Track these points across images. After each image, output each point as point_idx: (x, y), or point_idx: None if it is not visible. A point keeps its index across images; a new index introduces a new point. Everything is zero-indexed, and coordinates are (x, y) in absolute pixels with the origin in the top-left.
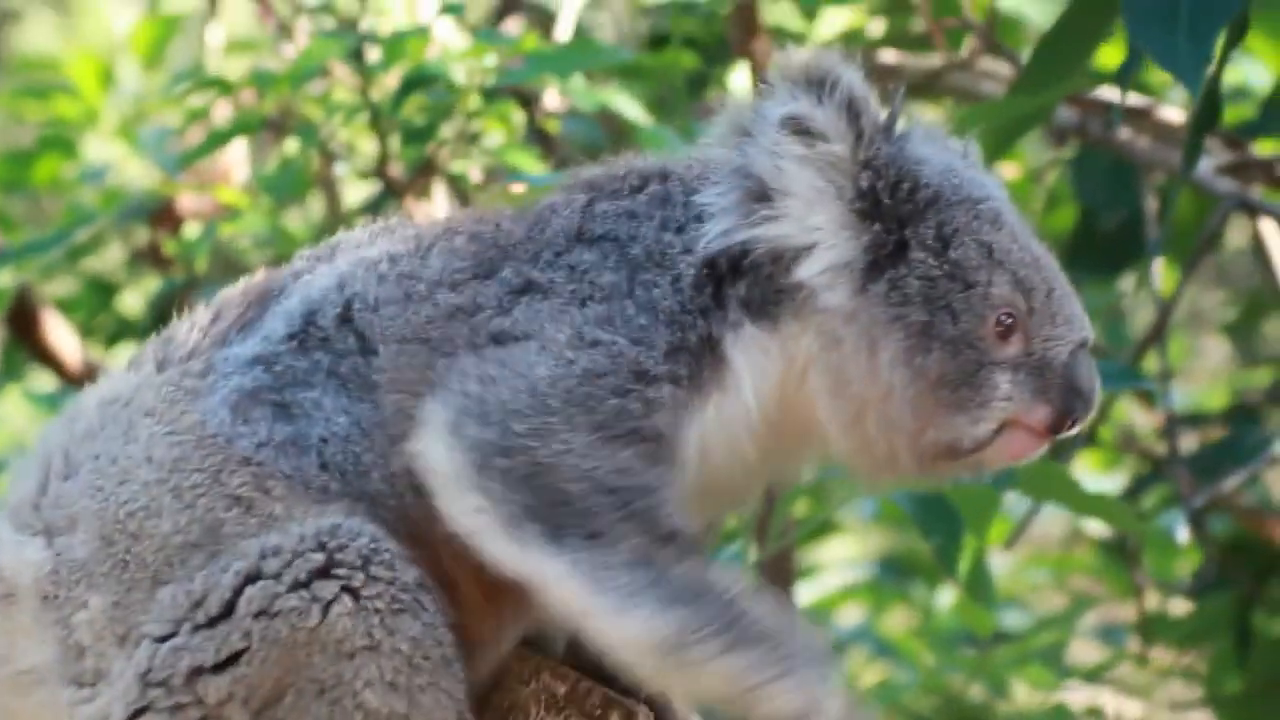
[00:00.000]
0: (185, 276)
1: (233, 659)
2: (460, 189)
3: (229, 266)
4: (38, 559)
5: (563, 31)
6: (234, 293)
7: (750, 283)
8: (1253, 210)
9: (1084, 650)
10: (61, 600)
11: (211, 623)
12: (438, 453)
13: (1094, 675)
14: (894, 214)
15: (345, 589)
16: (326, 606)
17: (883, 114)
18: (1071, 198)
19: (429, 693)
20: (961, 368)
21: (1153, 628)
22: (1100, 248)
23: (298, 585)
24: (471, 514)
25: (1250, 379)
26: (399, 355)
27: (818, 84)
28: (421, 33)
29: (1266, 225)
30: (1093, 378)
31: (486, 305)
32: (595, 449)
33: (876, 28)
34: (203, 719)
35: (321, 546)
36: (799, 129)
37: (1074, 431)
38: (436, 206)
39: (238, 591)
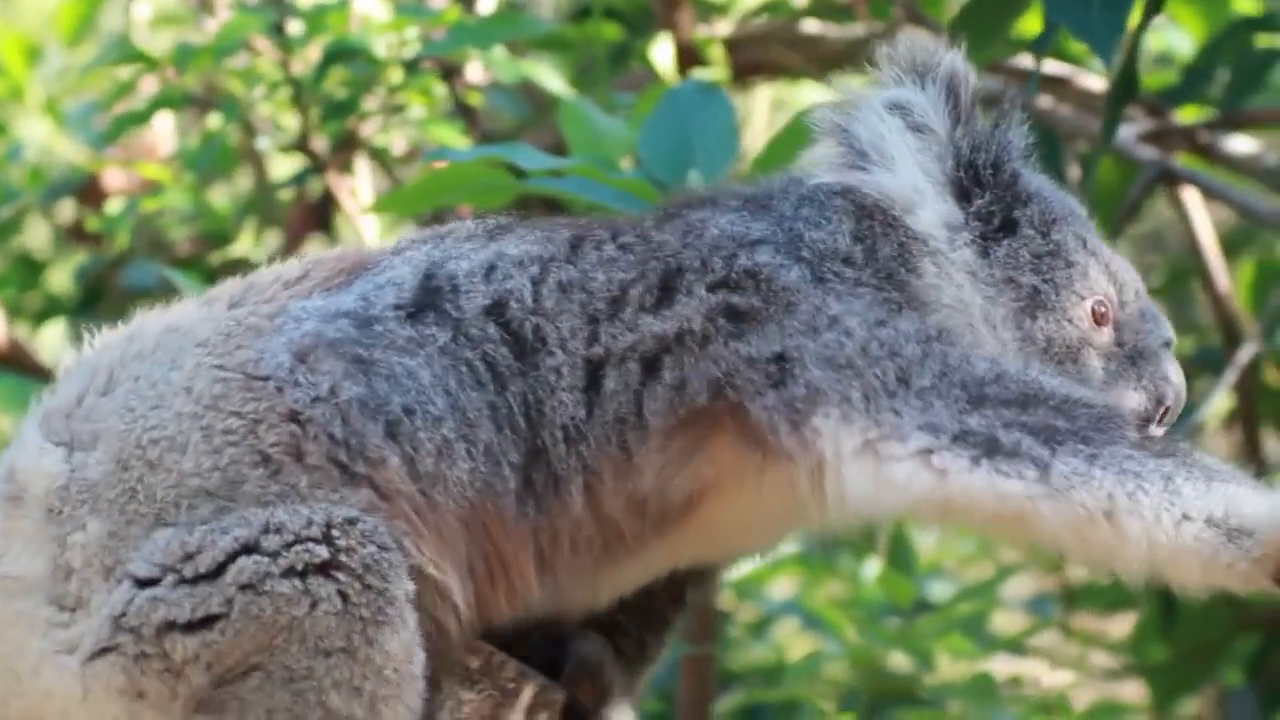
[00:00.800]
0: (113, 253)
1: (207, 622)
2: (383, 162)
3: (155, 243)
4: (54, 470)
5: (485, 4)
6: (328, 256)
7: (888, 245)
8: (1174, 178)
9: (1015, 622)
10: (64, 517)
11: (196, 580)
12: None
13: (1015, 644)
14: (998, 192)
15: (339, 591)
16: (315, 602)
17: (983, 102)
18: None
19: (391, 704)
20: (1065, 341)
21: (1076, 597)
22: None
23: (293, 573)
24: (1000, 486)
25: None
26: (607, 378)
27: (921, 71)
28: (342, 6)
29: (1188, 192)
30: (1180, 374)
31: (710, 335)
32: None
33: None
34: (166, 671)
35: (328, 540)
36: (902, 111)
37: (1161, 429)
38: (359, 180)
39: (231, 557)
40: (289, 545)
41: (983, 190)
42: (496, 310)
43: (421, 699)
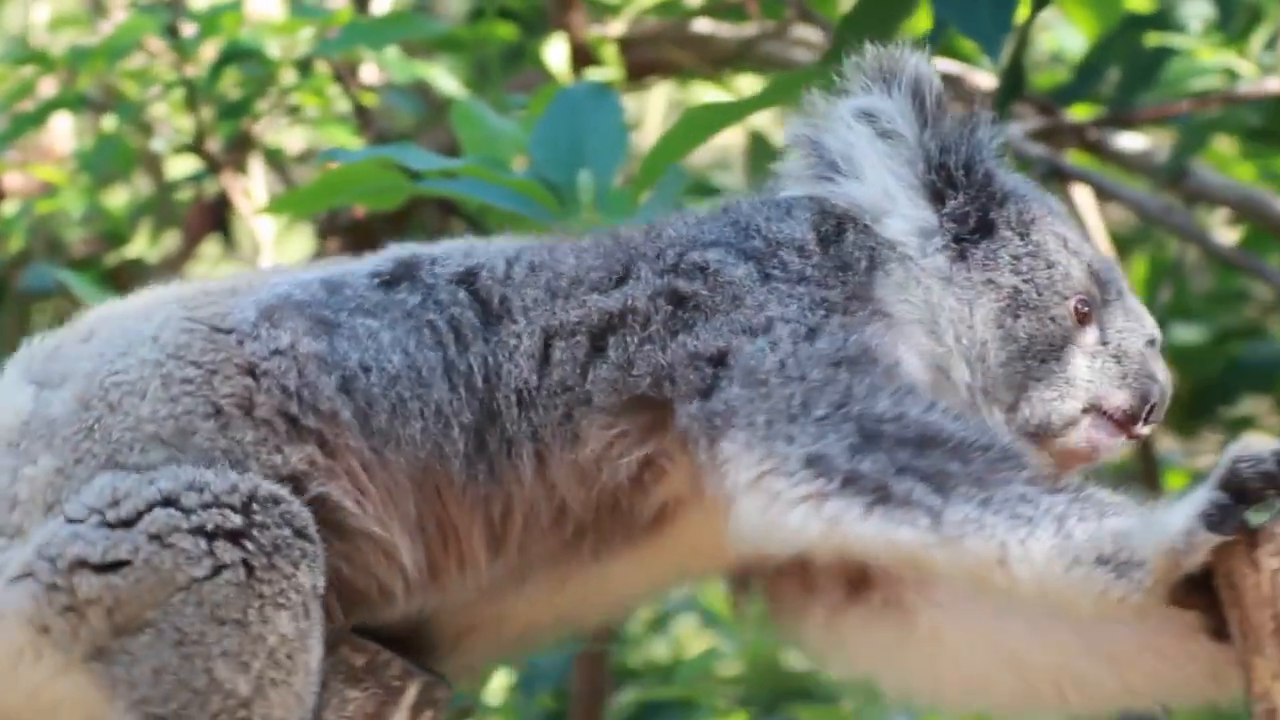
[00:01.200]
0: (8, 255)
1: (114, 566)
2: (278, 163)
3: (51, 244)
4: (22, 406)
5: (379, 4)
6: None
7: (850, 239)
8: (1065, 176)
9: None
10: (21, 450)
11: (114, 525)
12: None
13: None
14: (972, 193)
15: (244, 562)
16: (219, 568)
17: (950, 103)
18: None
19: (279, 689)
20: (1048, 339)
21: None
22: None
23: (202, 532)
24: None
25: None
26: (555, 347)
27: (887, 78)
28: (235, 7)
29: (1079, 190)
30: (1166, 372)
31: (651, 317)
32: (896, 398)
33: None
34: (69, 609)
35: (245, 510)
36: (870, 118)
37: (1148, 428)
38: (254, 181)
39: (150, 507)
40: (206, 505)
41: (956, 191)
42: (468, 278)
43: (313, 695)
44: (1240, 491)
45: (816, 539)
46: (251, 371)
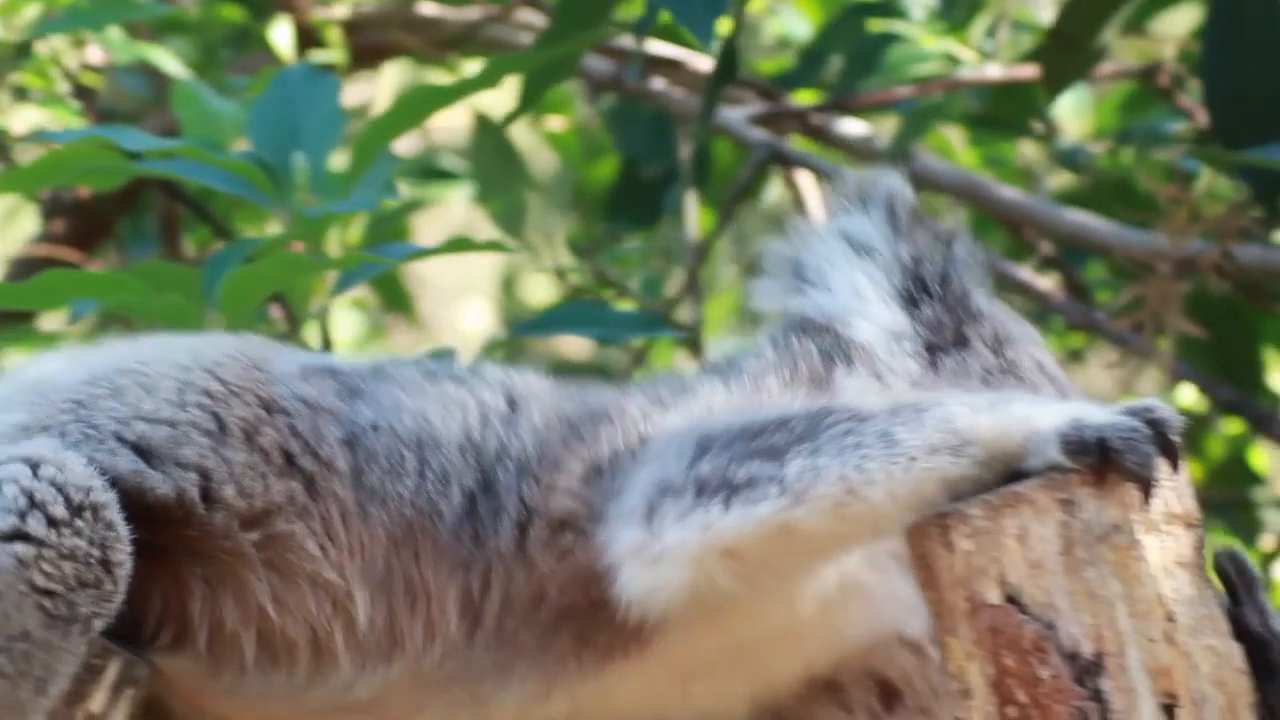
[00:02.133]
0: None
1: None
2: (1, 144)
3: None
4: (47, 370)
5: None
6: None
7: (816, 338)
8: (786, 160)
9: None
10: (11, 400)
11: None
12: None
13: None
14: (948, 303)
15: (40, 545)
16: (18, 533)
17: (922, 217)
18: (613, 148)
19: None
20: None
21: None
22: (640, 198)
23: (29, 497)
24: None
25: None
26: (554, 430)
27: (863, 199)
28: None
29: (801, 175)
30: None
31: (639, 422)
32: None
33: None
34: None
35: (76, 510)
36: (846, 235)
37: None
38: None
39: (17, 459)
40: (51, 481)
41: (931, 300)
42: (504, 386)
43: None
44: (1105, 446)
45: (700, 552)
46: (269, 406)
